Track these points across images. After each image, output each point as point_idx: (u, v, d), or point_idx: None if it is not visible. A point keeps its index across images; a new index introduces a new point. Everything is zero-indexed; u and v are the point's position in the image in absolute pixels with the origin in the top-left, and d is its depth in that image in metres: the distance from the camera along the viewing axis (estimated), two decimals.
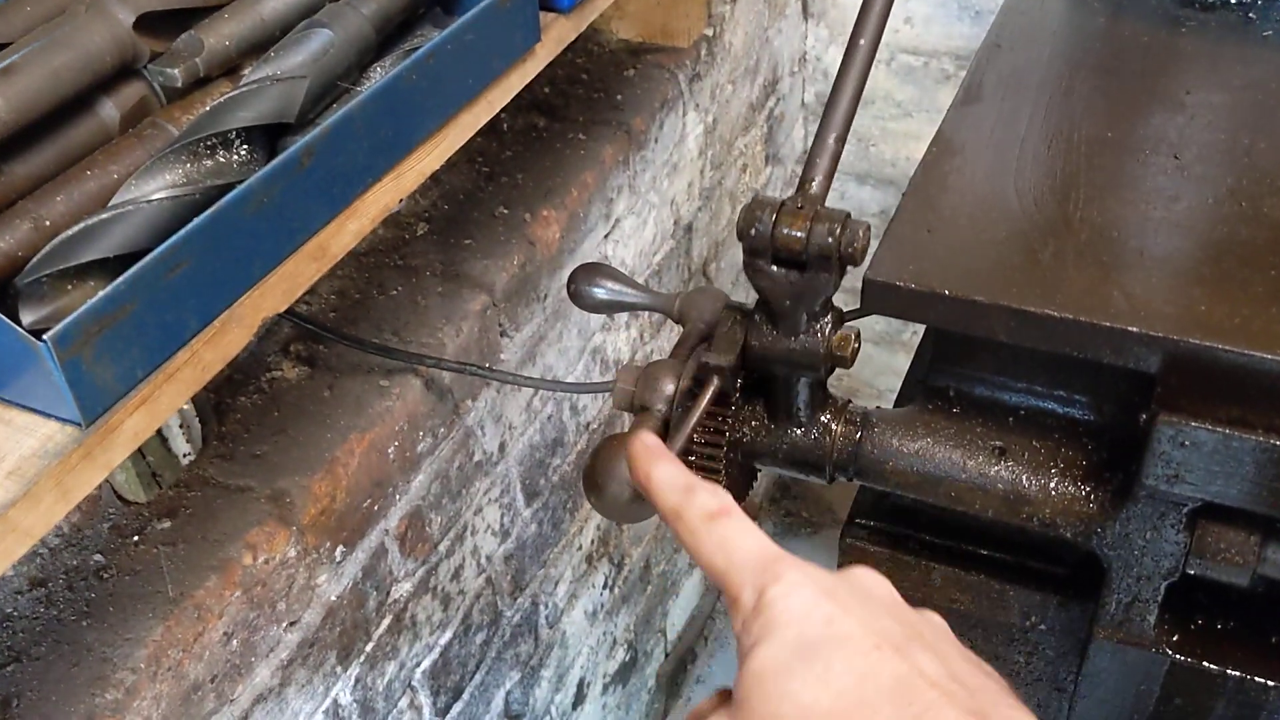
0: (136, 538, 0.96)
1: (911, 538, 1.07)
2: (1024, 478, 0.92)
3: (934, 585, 1.05)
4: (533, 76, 1.03)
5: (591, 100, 1.48)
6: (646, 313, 1.54)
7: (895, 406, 1.02)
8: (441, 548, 1.25)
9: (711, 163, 1.75)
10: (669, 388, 0.81)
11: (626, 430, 0.78)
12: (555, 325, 1.38)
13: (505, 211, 1.31)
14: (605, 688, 1.85)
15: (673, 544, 1.98)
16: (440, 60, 0.88)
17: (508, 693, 1.49)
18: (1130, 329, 0.85)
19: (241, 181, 0.74)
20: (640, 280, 1.59)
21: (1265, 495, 0.83)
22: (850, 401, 0.94)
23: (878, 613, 0.51)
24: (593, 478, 0.73)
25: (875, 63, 0.88)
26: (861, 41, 0.86)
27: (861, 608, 0.51)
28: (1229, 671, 0.94)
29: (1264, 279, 0.89)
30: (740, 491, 0.94)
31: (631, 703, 1.98)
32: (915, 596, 0.91)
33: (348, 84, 0.85)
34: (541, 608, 1.54)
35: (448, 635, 1.31)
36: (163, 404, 0.73)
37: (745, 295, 0.89)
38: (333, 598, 1.08)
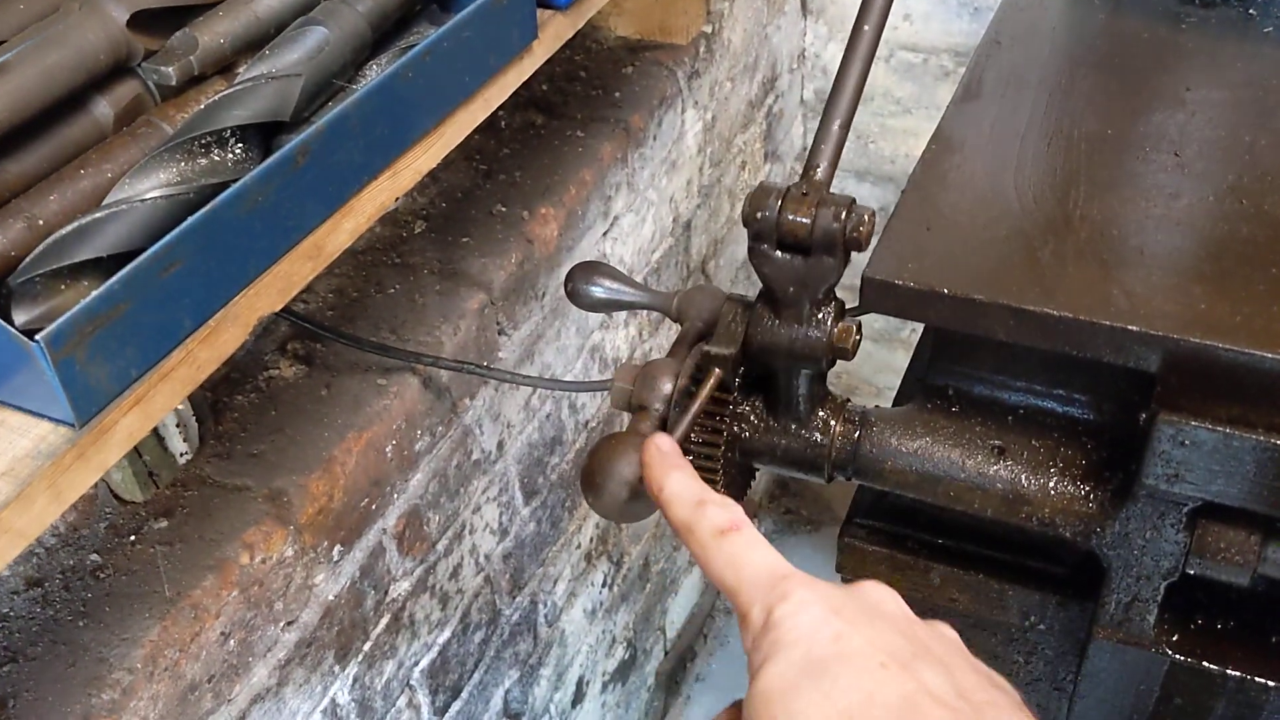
0: (133, 537, 0.96)
1: (910, 537, 1.06)
2: (1023, 477, 0.92)
3: (933, 585, 1.05)
4: (530, 74, 1.03)
5: (590, 98, 1.48)
6: (645, 311, 1.54)
7: (894, 405, 1.02)
8: (440, 546, 1.25)
9: (710, 160, 1.75)
10: (667, 386, 0.80)
11: (625, 429, 0.78)
12: (553, 323, 1.38)
13: (503, 209, 1.30)
14: (604, 686, 1.85)
15: (672, 542, 1.98)
16: (437, 57, 0.88)
17: (506, 691, 1.49)
18: (1130, 328, 0.85)
19: (236, 180, 0.74)
20: (638, 278, 1.59)
21: (1266, 494, 0.83)
22: (849, 400, 0.94)
23: (886, 630, 0.51)
24: (591, 478, 0.73)
25: (874, 59, 0.88)
26: (866, 28, 0.86)
27: (870, 625, 0.51)
28: (1229, 671, 0.94)
29: (1265, 277, 0.89)
30: (738, 492, 0.94)
31: (631, 701, 1.98)
32: (914, 596, 0.91)
33: (343, 82, 0.85)
34: (540, 606, 1.54)
35: (446, 634, 1.31)
36: (157, 404, 0.73)
37: (744, 294, 0.89)
38: (330, 597, 1.07)
